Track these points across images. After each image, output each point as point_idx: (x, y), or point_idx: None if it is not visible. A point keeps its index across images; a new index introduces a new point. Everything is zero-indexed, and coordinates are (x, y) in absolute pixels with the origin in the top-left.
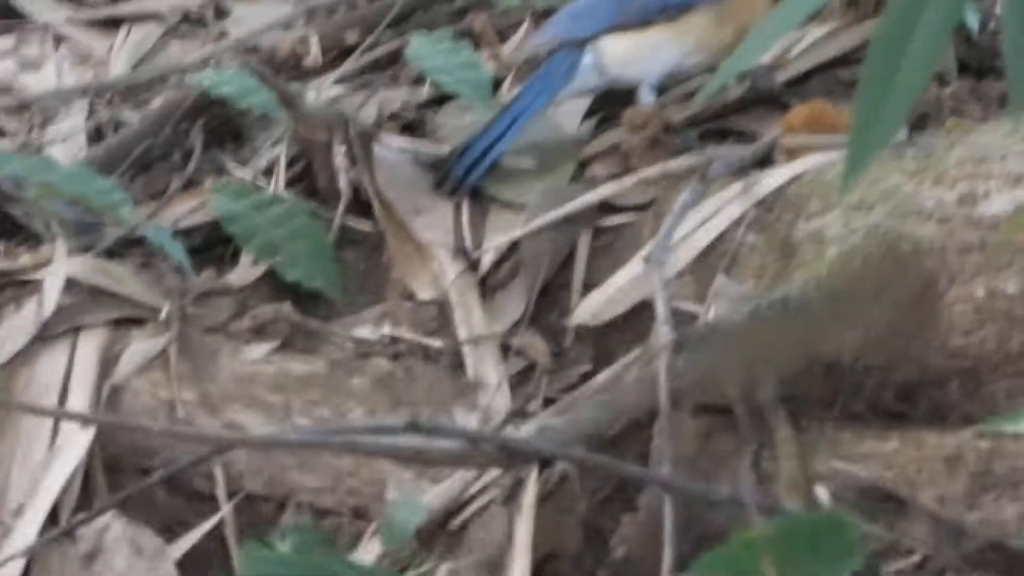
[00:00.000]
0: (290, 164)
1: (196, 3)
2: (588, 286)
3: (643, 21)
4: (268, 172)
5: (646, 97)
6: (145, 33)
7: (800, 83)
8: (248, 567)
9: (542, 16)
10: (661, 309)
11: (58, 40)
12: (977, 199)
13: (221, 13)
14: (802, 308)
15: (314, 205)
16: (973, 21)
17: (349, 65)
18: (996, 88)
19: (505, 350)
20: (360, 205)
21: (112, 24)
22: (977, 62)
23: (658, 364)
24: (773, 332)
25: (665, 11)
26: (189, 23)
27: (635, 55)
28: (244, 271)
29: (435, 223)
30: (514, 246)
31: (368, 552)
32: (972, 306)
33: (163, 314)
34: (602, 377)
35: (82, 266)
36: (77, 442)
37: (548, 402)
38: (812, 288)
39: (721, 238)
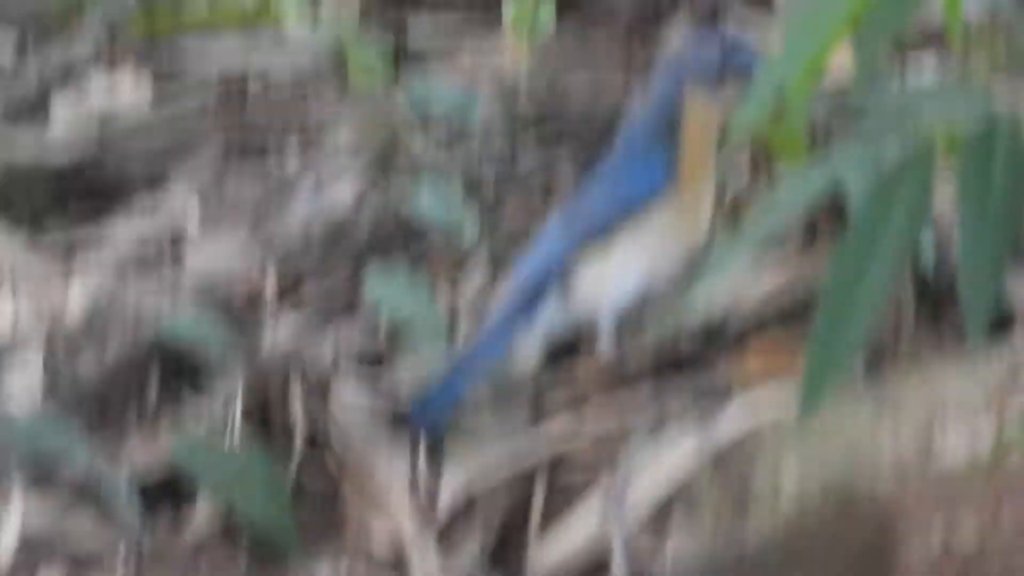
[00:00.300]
0: (247, 409)
1: (153, 232)
2: (545, 533)
3: (604, 231)
4: (225, 417)
5: (606, 340)
6: (102, 270)
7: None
8: None
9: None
10: (619, 571)
11: (12, 275)
12: (933, 448)
13: (177, 243)
14: (756, 569)
15: (271, 452)
16: (929, 256)
17: (306, 299)
18: (953, 326)
19: None
20: (318, 451)
21: (68, 254)
22: (933, 299)
23: None
24: None
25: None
26: (145, 260)
27: (599, 282)
28: (199, 521)
29: (392, 472)
30: (471, 494)
31: None
32: (926, 555)
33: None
34: None
35: (38, 516)
36: None
37: None
38: (768, 547)
39: (678, 491)
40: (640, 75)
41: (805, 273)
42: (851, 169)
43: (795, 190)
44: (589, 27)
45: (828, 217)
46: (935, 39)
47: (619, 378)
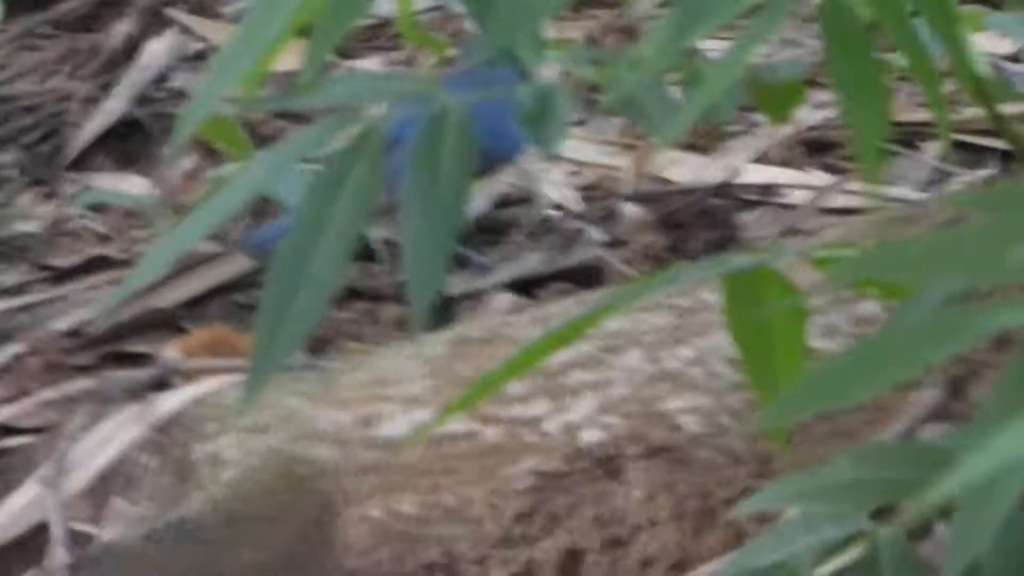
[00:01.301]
0: None
1: None
2: None
3: None
4: None
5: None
6: None
7: (197, 305)
8: None
9: None
10: (57, 531)
11: None
12: (375, 421)
13: None
14: (198, 531)
15: None
16: (374, 245)
17: None
18: (394, 312)
19: None
20: None
21: None
22: (377, 285)
23: None
24: (169, 555)
25: None
26: None
27: None
28: None
29: None
30: None
31: None
32: (368, 527)
33: None
34: None
35: None
36: None
37: None
38: (208, 511)
39: (119, 460)
40: (85, 75)
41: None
42: (289, 161)
43: (234, 186)
44: (35, 25)
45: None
46: (385, 34)
47: (63, 369)
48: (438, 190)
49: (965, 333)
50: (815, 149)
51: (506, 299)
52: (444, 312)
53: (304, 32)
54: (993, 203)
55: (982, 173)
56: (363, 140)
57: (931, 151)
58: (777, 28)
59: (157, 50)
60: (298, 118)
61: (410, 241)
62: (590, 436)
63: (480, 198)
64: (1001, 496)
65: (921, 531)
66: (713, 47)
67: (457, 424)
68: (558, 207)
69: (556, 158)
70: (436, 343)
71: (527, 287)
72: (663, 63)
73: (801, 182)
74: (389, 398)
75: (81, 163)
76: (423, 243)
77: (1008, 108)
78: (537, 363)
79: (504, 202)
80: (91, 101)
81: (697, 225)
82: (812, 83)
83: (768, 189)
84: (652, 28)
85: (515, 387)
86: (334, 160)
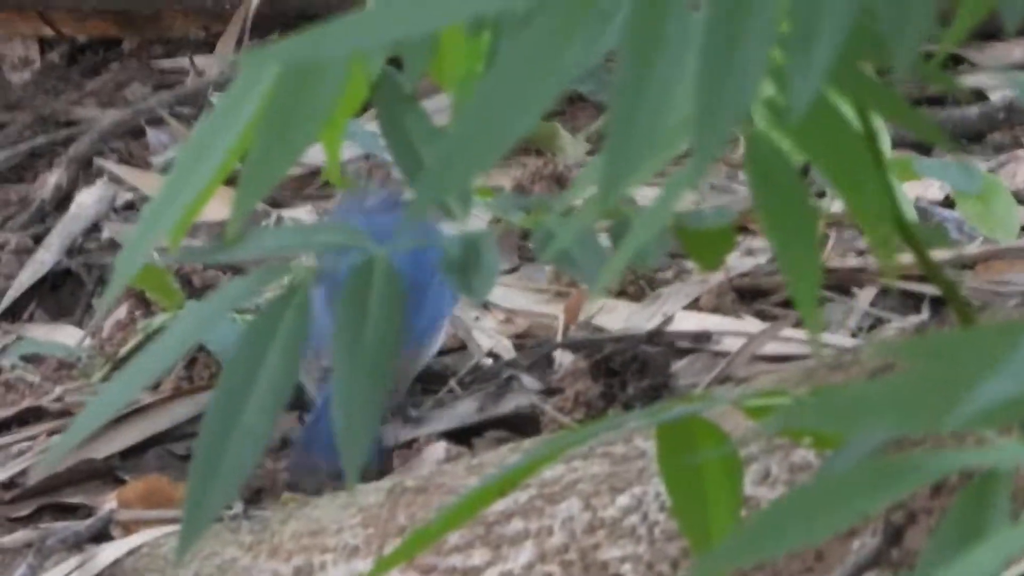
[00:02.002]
0: None
1: None
2: None
3: None
4: None
5: None
6: None
7: (133, 455)
8: None
9: None
10: None
11: None
12: (312, 571)
13: None
14: None
15: None
16: (311, 390)
17: None
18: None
19: None
20: None
21: None
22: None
23: None
24: None
25: None
26: None
27: None
28: None
29: None
30: None
31: None
32: None
33: None
34: None
35: None
36: None
37: None
38: None
39: None
40: (17, 226)
41: (184, 406)
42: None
43: (168, 338)
44: None
45: (206, 360)
46: (315, 183)
47: (0, 521)
48: (366, 341)
49: (903, 481)
50: (747, 296)
51: (441, 448)
52: (379, 461)
53: (234, 181)
54: (925, 352)
55: (914, 319)
56: (293, 291)
57: (863, 297)
58: (705, 175)
59: (88, 200)
60: (231, 267)
61: (340, 393)
62: None
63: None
64: None
65: None
66: (642, 193)
67: (396, 574)
68: (491, 355)
69: (487, 306)
70: (372, 492)
71: (462, 436)
72: (592, 216)
73: (733, 329)
74: (326, 548)
75: (14, 313)
76: (353, 395)
77: (939, 254)
78: (475, 514)
79: (438, 351)
80: (22, 252)
81: (630, 372)
82: (743, 229)
83: (701, 336)
84: (579, 177)
85: (453, 537)
86: (264, 310)
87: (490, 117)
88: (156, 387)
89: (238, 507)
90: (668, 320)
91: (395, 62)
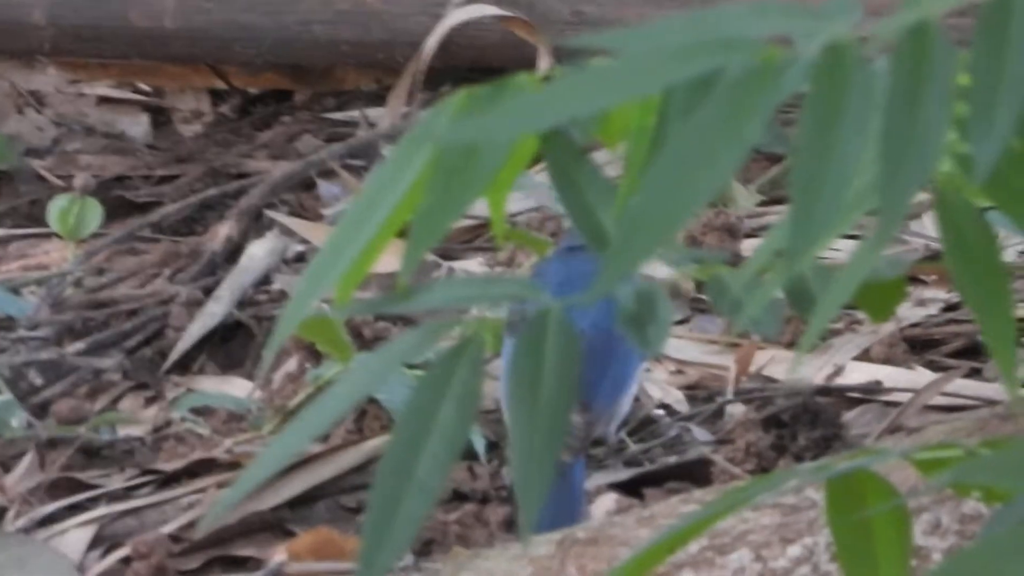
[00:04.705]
0: None
1: None
2: None
3: None
4: None
5: None
6: None
7: (302, 507)
8: None
9: (46, 446)
10: None
11: None
12: None
13: None
14: None
15: None
16: (479, 445)
17: None
18: (500, 513)
19: None
20: None
21: None
22: (482, 487)
23: None
24: None
25: None
26: None
27: None
28: None
29: None
30: None
31: None
32: None
33: None
34: None
35: None
36: None
37: None
38: None
39: None
40: (187, 278)
41: (351, 454)
42: (391, 366)
43: (339, 391)
44: (136, 229)
45: (376, 412)
46: (485, 235)
47: (170, 574)
48: (541, 394)
49: None
50: (918, 346)
51: (611, 499)
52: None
53: (405, 233)
54: None
55: None
56: (465, 343)
57: None
58: (893, 237)
59: (258, 253)
60: (400, 318)
61: (516, 447)
62: None
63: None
64: None
65: None
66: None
67: None
68: (662, 406)
69: (659, 358)
70: (543, 544)
71: (633, 486)
72: (780, 280)
73: (904, 379)
74: None
75: (184, 366)
76: (528, 449)
77: None
78: (652, 567)
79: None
80: (193, 304)
81: (801, 423)
82: (914, 280)
83: (871, 387)
84: (763, 244)
85: None
86: (438, 363)
87: (672, 189)
88: (325, 439)
89: (409, 559)
90: (839, 371)
91: None
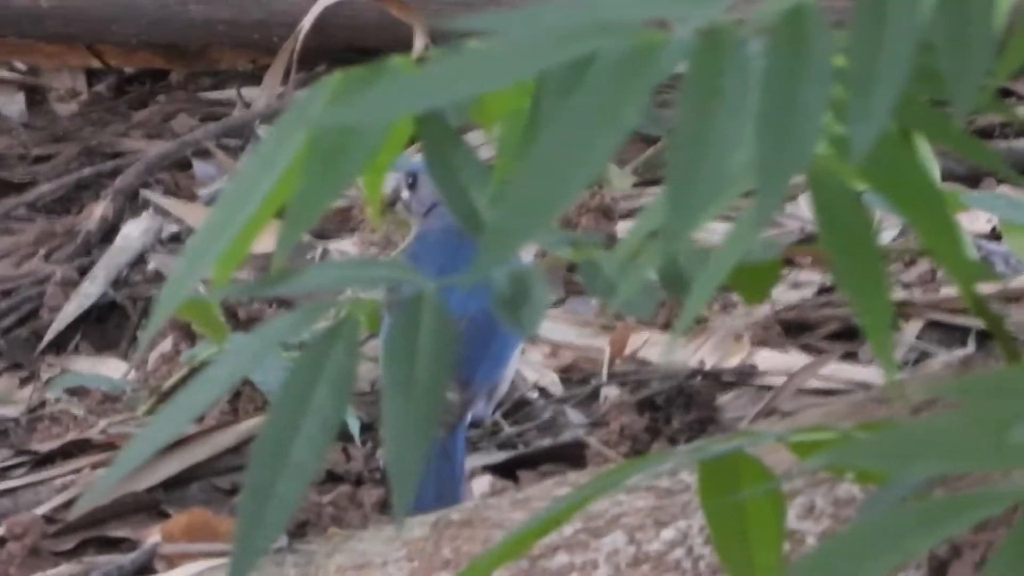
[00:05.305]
0: None
1: None
2: None
3: None
4: None
5: None
6: None
7: (177, 488)
8: None
9: None
10: None
11: None
12: None
13: None
14: None
15: None
16: (354, 427)
17: None
18: (375, 495)
19: None
20: None
21: None
22: (357, 469)
23: None
24: None
25: None
26: None
27: None
28: None
29: None
30: None
31: None
32: None
33: None
34: None
35: None
36: None
37: None
38: None
39: None
40: (62, 258)
41: (226, 436)
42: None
43: (215, 372)
44: (11, 208)
45: (251, 393)
46: (361, 215)
47: (45, 555)
48: (416, 375)
49: (953, 521)
50: (793, 329)
51: (486, 481)
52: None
53: (281, 214)
54: (971, 388)
55: (959, 353)
56: (341, 326)
57: (909, 330)
58: (770, 219)
59: (133, 232)
60: (276, 299)
61: (390, 427)
62: None
63: None
64: None
65: None
66: None
67: None
68: (538, 388)
69: (533, 339)
70: (417, 526)
71: (508, 469)
72: (655, 259)
73: (778, 363)
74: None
75: (59, 346)
76: (403, 429)
77: (985, 287)
78: (524, 550)
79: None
80: (68, 284)
81: (675, 406)
82: (788, 263)
83: (745, 370)
84: (638, 223)
85: (498, 572)
86: (313, 345)
87: (549, 174)
88: (200, 420)
89: (283, 540)
90: (713, 354)
91: None
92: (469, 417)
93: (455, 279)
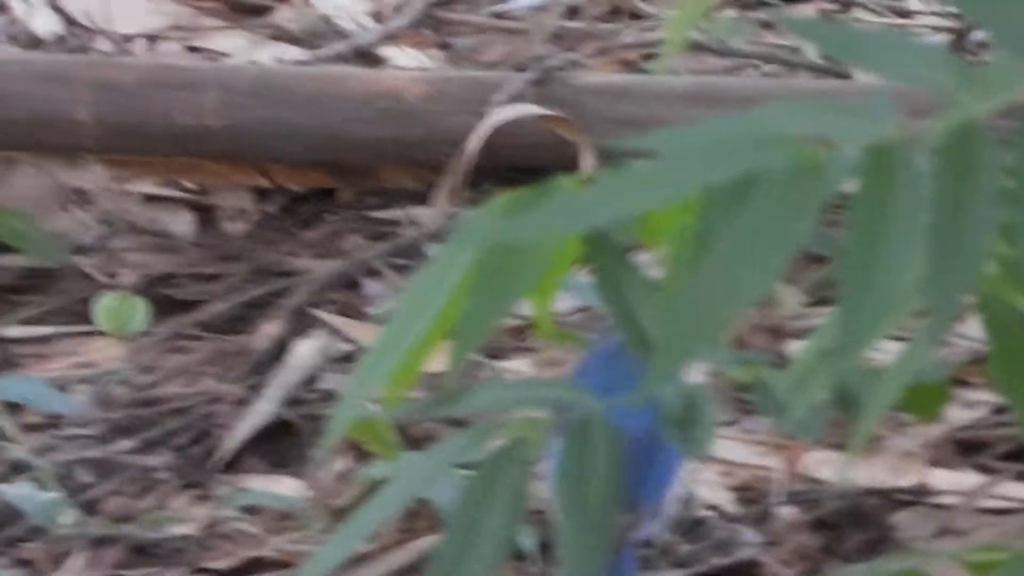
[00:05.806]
0: None
1: None
2: None
3: None
4: None
5: None
6: None
7: None
8: None
9: (95, 543)
10: None
11: None
12: None
13: None
14: None
15: None
16: (528, 545)
17: None
18: None
19: None
20: None
21: None
22: None
23: None
24: None
25: None
26: None
27: None
28: None
29: None
30: None
31: None
32: None
33: None
34: None
35: None
36: None
37: None
38: None
39: None
40: (234, 377)
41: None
42: (441, 466)
43: (389, 492)
44: (183, 327)
45: (426, 511)
46: (526, 335)
47: None
48: (589, 497)
49: None
50: (966, 449)
51: None
52: None
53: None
54: None
55: None
56: (512, 446)
57: None
58: (943, 337)
59: (304, 351)
60: (448, 418)
61: (567, 546)
62: None
63: None
64: None
65: None
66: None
67: None
68: (712, 507)
69: (708, 459)
70: None
71: None
72: (828, 379)
73: (953, 482)
74: None
75: (233, 465)
76: (578, 551)
77: None
78: None
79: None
80: (241, 403)
81: (850, 526)
82: (961, 382)
83: (919, 489)
84: (810, 343)
85: None
86: (486, 465)
87: (717, 291)
88: (375, 538)
89: None
90: (888, 474)
91: None
92: (635, 537)
93: (623, 399)
